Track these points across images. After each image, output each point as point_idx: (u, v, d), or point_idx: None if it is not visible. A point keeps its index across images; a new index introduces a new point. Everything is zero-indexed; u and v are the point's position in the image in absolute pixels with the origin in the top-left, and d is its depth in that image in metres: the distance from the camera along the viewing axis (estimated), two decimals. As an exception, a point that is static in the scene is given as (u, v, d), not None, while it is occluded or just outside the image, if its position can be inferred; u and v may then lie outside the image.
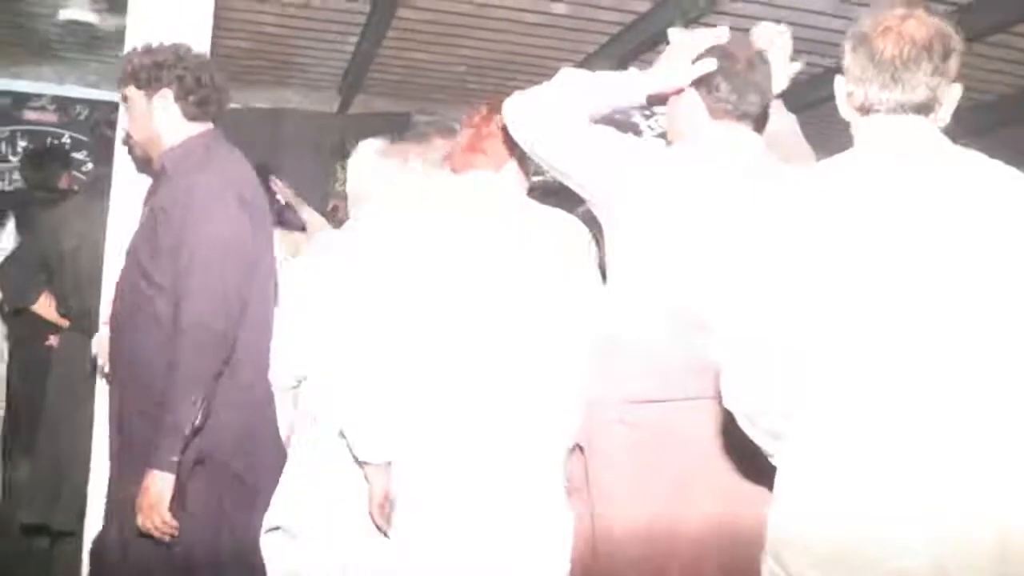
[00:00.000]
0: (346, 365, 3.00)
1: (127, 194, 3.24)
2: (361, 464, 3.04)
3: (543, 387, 2.94)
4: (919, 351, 1.98)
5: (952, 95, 2.17)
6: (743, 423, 2.13)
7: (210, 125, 3.22)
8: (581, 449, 2.74)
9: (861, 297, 2.01)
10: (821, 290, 2.04)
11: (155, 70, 3.11)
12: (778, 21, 7.13)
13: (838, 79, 2.25)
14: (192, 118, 3.16)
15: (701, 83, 2.75)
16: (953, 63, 2.13)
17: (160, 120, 3.13)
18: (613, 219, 2.72)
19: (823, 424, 2.04)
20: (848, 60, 2.20)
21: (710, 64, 2.70)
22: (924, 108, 2.13)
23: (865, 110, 2.18)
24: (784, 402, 2.05)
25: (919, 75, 2.10)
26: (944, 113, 2.17)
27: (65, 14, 6.52)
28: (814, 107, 8.83)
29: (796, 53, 8.05)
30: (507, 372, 2.95)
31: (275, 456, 3.28)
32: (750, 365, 2.08)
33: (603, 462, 2.65)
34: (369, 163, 3.61)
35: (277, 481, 3.17)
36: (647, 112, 5.79)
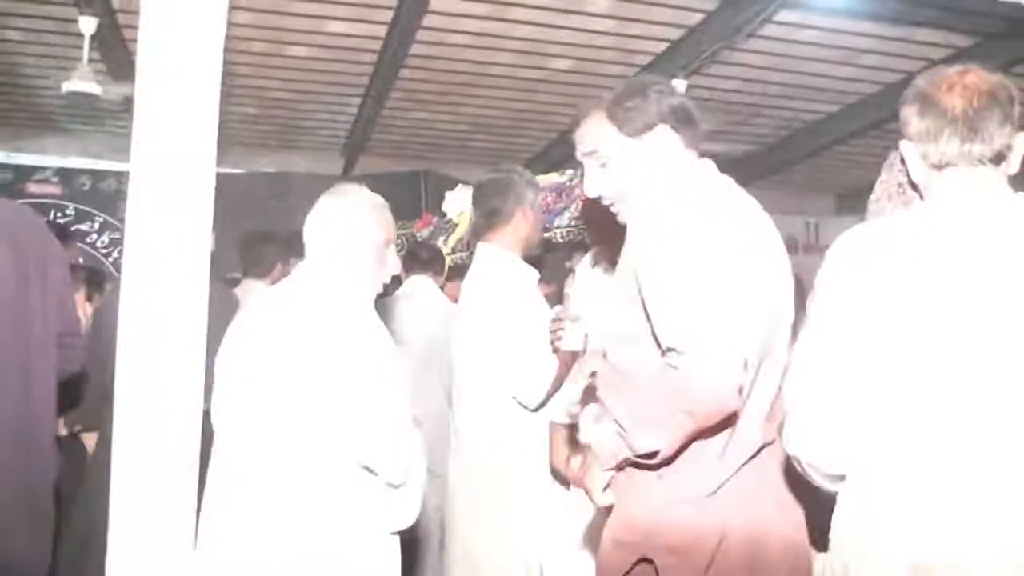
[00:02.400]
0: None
1: (139, 271, 3.24)
2: None
3: None
4: (990, 408, 1.95)
5: (1020, 143, 2.15)
6: (806, 469, 2.12)
7: None
8: None
9: (929, 351, 1.98)
10: (888, 344, 2.01)
11: None
12: (778, 70, 7.23)
13: (905, 144, 2.20)
14: None
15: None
16: (1019, 111, 2.12)
17: None
18: None
19: (888, 473, 2.03)
20: (915, 123, 2.15)
21: None
22: (999, 158, 2.11)
23: (942, 166, 2.14)
24: (847, 452, 2.05)
25: (994, 124, 2.08)
26: (1015, 162, 2.16)
27: (69, 86, 6.56)
28: (818, 152, 8.93)
29: (799, 100, 8.13)
30: None
31: None
32: (816, 417, 2.08)
33: None
34: None
35: None
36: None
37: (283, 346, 2.86)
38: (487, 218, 3.76)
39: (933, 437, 1.99)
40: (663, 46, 6.92)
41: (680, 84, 7.24)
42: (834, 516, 2.13)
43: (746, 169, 9.13)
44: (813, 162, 9.28)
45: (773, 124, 8.44)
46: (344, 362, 2.81)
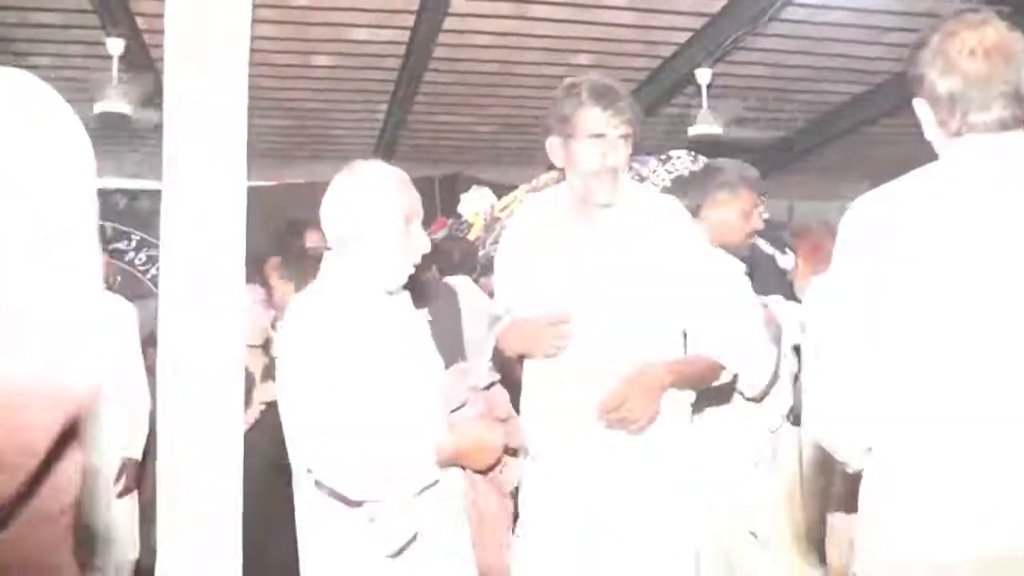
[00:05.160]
0: None
1: (176, 286, 3.27)
2: None
3: None
4: (1012, 380, 1.94)
5: None
6: (830, 450, 2.12)
7: None
8: None
9: (948, 324, 1.96)
10: (906, 320, 1.99)
11: None
12: (803, 52, 7.19)
13: (920, 103, 2.16)
14: None
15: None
16: None
17: None
18: None
19: (910, 453, 2.01)
20: (934, 85, 2.10)
21: None
22: (1020, 119, 2.06)
23: (960, 133, 2.09)
24: (868, 434, 2.05)
25: (1018, 87, 2.04)
26: None
27: (99, 107, 6.62)
28: (847, 134, 8.87)
29: (826, 82, 8.06)
30: None
31: None
32: (835, 398, 2.06)
33: None
34: None
35: None
36: (663, 157, 5.77)
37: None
38: None
39: (959, 417, 1.95)
40: (686, 36, 6.90)
41: (705, 73, 7.24)
42: (860, 505, 2.11)
43: (776, 155, 9.11)
44: (844, 145, 9.22)
45: (801, 108, 8.39)
46: (285, 360, 2.70)
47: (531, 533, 2.96)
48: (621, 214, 2.99)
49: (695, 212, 3.49)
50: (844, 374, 2.04)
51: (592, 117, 2.96)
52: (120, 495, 5.16)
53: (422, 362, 2.79)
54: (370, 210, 2.72)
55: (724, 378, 3.05)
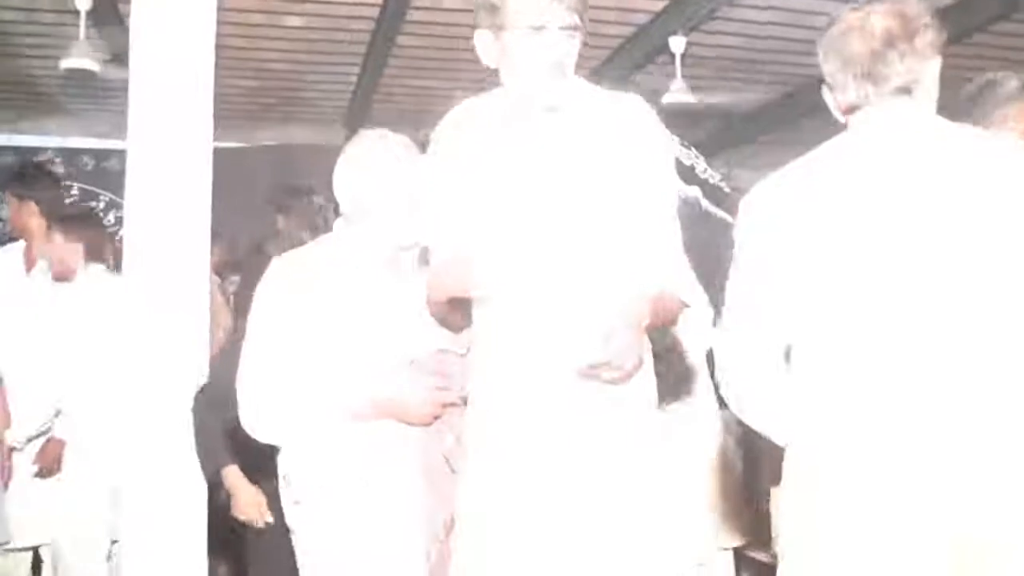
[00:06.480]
0: None
1: (141, 246, 3.25)
2: None
3: None
4: (922, 347, 1.97)
5: (932, 70, 2.17)
6: (751, 424, 2.21)
7: None
8: None
9: (859, 293, 2.03)
10: (817, 288, 2.07)
11: None
12: (780, 24, 7.16)
13: (824, 88, 2.27)
14: None
15: None
16: (922, 40, 2.12)
17: None
18: None
19: (826, 417, 2.05)
20: (824, 68, 2.23)
21: None
22: (904, 92, 2.13)
23: (851, 110, 2.20)
24: (784, 410, 2.11)
25: (891, 65, 2.10)
26: (931, 90, 2.18)
27: (66, 63, 6.52)
28: (820, 109, 8.85)
29: (797, 55, 8.04)
30: None
31: None
32: (749, 377, 2.15)
33: None
34: None
35: None
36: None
37: None
38: None
39: (878, 388, 1.99)
40: (662, 4, 6.86)
41: (679, 42, 7.20)
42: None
43: (751, 125, 9.08)
44: (818, 118, 9.20)
45: (776, 80, 8.37)
46: (256, 297, 2.89)
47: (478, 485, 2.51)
48: (570, 118, 2.56)
49: None
50: (759, 352, 2.14)
51: (528, 5, 2.47)
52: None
53: (400, 324, 2.83)
54: (381, 179, 2.91)
55: (682, 321, 2.65)
